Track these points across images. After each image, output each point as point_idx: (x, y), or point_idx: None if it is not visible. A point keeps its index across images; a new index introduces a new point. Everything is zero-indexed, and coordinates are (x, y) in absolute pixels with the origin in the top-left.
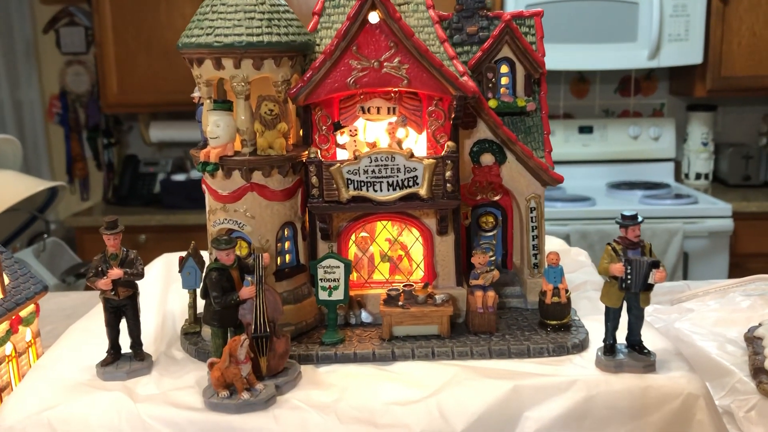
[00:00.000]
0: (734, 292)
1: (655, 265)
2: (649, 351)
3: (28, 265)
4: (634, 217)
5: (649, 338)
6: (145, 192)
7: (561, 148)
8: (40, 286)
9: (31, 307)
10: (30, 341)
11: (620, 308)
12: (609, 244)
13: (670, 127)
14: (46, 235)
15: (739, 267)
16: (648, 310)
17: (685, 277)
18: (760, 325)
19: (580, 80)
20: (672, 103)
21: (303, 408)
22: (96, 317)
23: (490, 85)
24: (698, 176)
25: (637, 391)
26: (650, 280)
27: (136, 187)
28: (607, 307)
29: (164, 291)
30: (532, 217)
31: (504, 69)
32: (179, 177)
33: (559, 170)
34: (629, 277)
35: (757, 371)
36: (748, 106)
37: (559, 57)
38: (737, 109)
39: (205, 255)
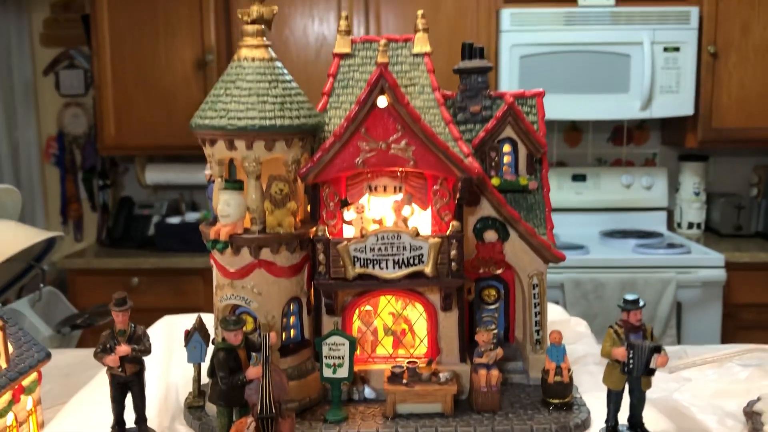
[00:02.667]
0: (732, 361)
1: (657, 350)
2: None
3: (24, 319)
4: (636, 301)
5: (650, 418)
6: (139, 234)
7: (554, 195)
8: (43, 354)
9: (33, 375)
10: (31, 410)
11: (622, 390)
12: (611, 327)
13: (662, 177)
14: (42, 285)
15: (733, 317)
16: None
17: (678, 328)
18: (758, 399)
19: (574, 129)
20: (664, 152)
21: None
22: (99, 388)
23: (494, 163)
24: (690, 225)
25: None
26: (652, 365)
27: (131, 229)
28: (609, 390)
29: (167, 359)
30: (534, 294)
31: (507, 148)
32: (174, 220)
33: (552, 217)
34: (631, 361)
35: None
36: (738, 157)
37: (552, 106)
38: (728, 160)
39: (210, 329)
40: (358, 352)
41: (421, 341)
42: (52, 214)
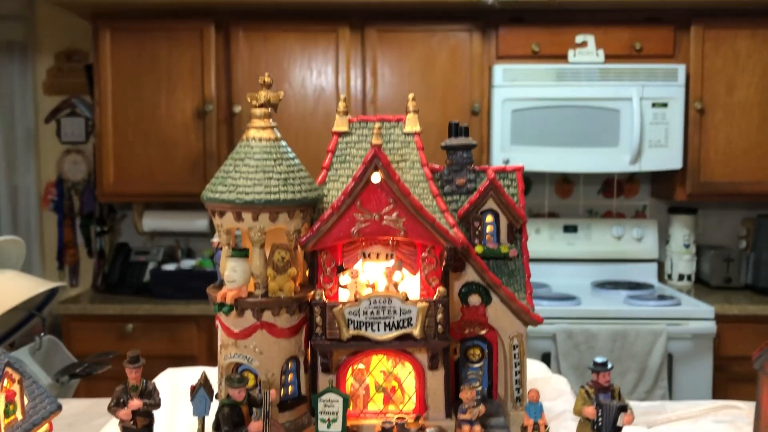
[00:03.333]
0: (706, 418)
1: (623, 409)
2: None
3: (25, 368)
4: (605, 364)
5: None
6: (135, 281)
7: (546, 246)
8: (54, 406)
9: (45, 427)
10: None
11: None
12: (582, 387)
13: (652, 229)
14: (42, 334)
15: (724, 369)
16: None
17: (670, 379)
18: None
19: (565, 181)
20: (654, 205)
21: None
22: None
23: (477, 232)
24: (681, 277)
25: None
26: (619, 423)
27: (126, 275)
28: None
29: (171, 412)
30: (515, 354)
31: (489, 219)
32: (170, 267)
33: (544, 268)
34: (600, 419)
35: None
36: (727, 210)
37: (544, 159)
38: (717, 213)
39: (213, 385)
40: (351, 407)
41: (410, 398)
42: (49, 260)
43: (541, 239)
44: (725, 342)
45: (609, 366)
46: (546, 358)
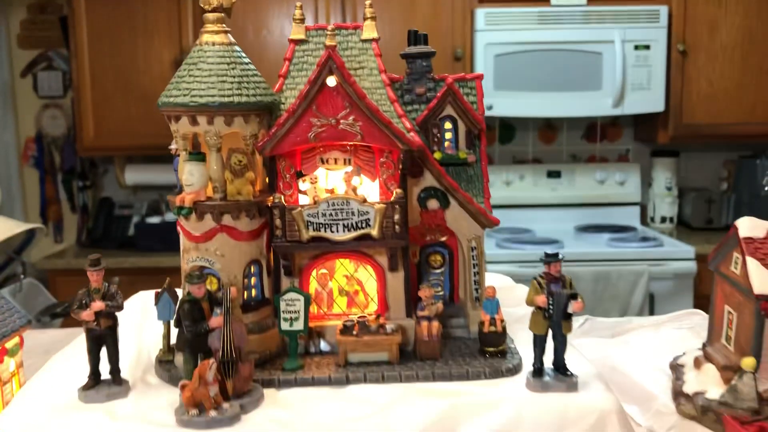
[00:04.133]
0: (667, 326)
1: (573, 297)
2: (572, 373)
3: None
4: (555, 255)
5: (574, 362)
6: (119, 234)
7: (530, 192)
8: (24, 320)
9: (15, 339)
10: (14, 371)
11: (546, 335)
12: (535, 278)
13: (635, 172)
14: (23, 276)
15: (704, 309)
16: (590, 343)
17: None
18: (684, 354)
19: (548, 127)
20: (637, 148)
21: (265, 425)
22: (76, 348)
23: (436, 139)
24: (663, 219)
25: (559, 409)
26: (569, 310)
27: (111, 229)
28: (534, 335)
29: (140, 325)
30: (473, 255)
31: (447, 125)
32: (154, 220)
33: (528, 213)
34: (551, 307)
35: (677, 395)
36: (709, 152)
37: (527, 104)
38: (699, 155)
39: (179, 293)
40: (315, 310)
41: (372, 300)
42: (32, 216)
43: (525, 185)
44: (706, 281)
45: (559, 257)
46: None
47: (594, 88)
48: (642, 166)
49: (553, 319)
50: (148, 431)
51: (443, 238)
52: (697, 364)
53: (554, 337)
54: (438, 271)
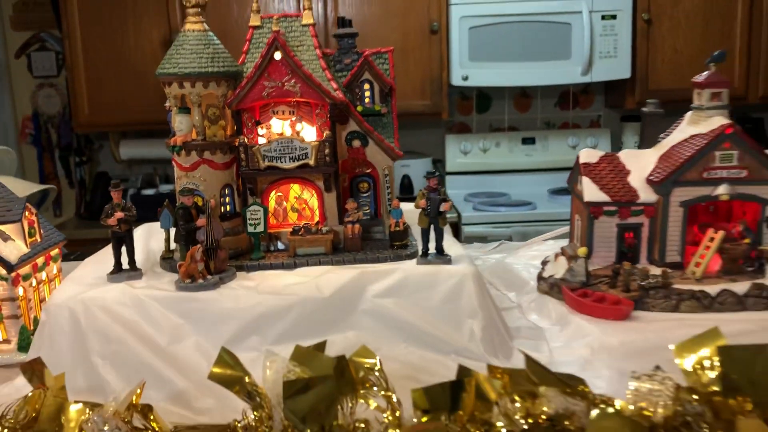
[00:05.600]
0: (548, 242)
1: (444, 200)
2: (447, 254)
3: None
4: (433, 172)
5: (452, 248)
6: None
7: (506, 158)
8: (61, 236)
9: (57, 249)
10: (56, 273)
11: (428, 228)
12: (421, 190)
13: (606, 137)
14: None
15: None
16: (497, 256)
17: None
18: (552, 254)
19: (523, 95)
20: (607, 114)
21: (237, 288)
22: (102, 254)
23: (358, 97)
24: None
25: (434, 273)
26: (441, 209)
27: (107, 202)
28: (421, 228)
29: (147, 239)
30: (386, 180)
31: (366, 87)
32: (148, 191)
33: (504, 179)
34: (429, 207)
35: (539, 279)
36: (675, 117)
37: (501, 74)
38: (667, 120)
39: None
40: (273, 221)
41: (315, 213)
42: None
43: (501, 152)
44: None
45: (436, 173)
46: None
47: (564, 57)
48: (612, 131)
49: (431, 216)
50: (156, 294)
51: (368, 170)
52: (556, 257)
53: (435, 230)
54: (365, 194)
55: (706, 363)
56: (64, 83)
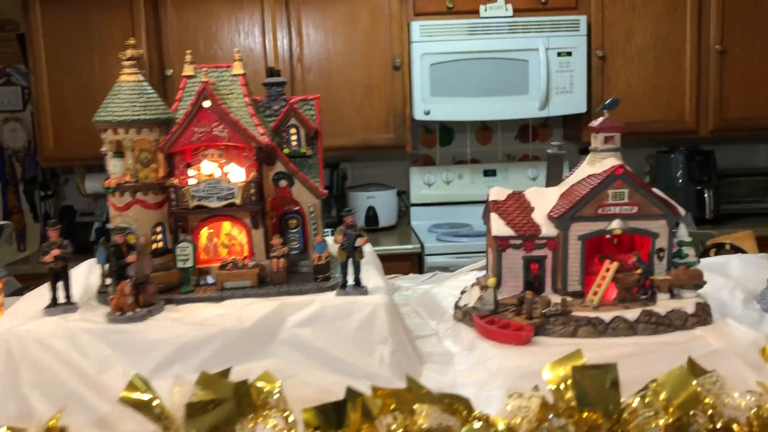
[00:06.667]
0: (474, 270)
1: (359, 235)
2: (364, 286)
3: None
4: (349, 210)
5: (371, 279)
6: (81, 240)
7: (468, 189)
8: (3, 272)
9: None
10: None
11: (347, 261)
12: (339, 227)
13: (565, 169)
14: None
15: None
16: (426, 286)
17: None
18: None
19: (484, 129)
20: (566, 147)
21: (163, 320)
22: (41, 289)
23: (285, 140)
24: None
25: (350, 303)
26: (357, 244)
27: (73, 236)
28: (340, 261)
29: (88, 274)
30: (312, 218)
31: (293, 131)
32: None
33: (467, 210)
34: (346, 242)
35: (455, 307)
36: (630, 149)
37: (462, 108)
38: (623, 151)
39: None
40: (204, 256)
41: (243, 248)
42: None
43: (464, 183)
44: None
45: (351, 211)
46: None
47: (522, 92)
48: (571, 163)
49: (348, 250)
50: (88, 326)
51: (296, 208)
52: (472, 287)
53: (352, 263)
54: (294, 230)
55: (569, 382)
56: (30, 117)
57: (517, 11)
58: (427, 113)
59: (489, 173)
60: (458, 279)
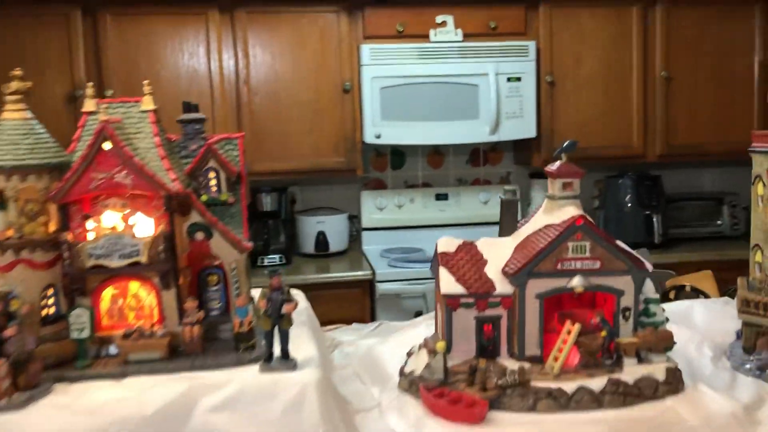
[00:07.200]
0: (422, 324)
1: (287, 300)
2: (293, 359)
3: None
4: (275, 271)
5: (302, 348)
6: None
7: (420, 213)
8: None
9: None
10: None
11: (272, 330)
12: (263, 288)
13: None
14: None
15: None
16: (371, 342)
17: None
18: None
19: (436, 152)
20: (516, 171)
21: (48, 407)
22: None
23: (202, 185)
24: None
25: (275, 382)
26: (283, 311)
27: None
28: (264, 330)
29: None
30: (234, 274)
31: (212, 174)
32: None
33: (419, 234)
34: (269, 308)
35: (401, 374)
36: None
37: (414, 132)
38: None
39: None
40: (107, 321)
41: (152, 312)
42: None
43: (416, 208)
44: None
45: (278, 272)
46: (418, 315)
47: (472, 117)
48: (522, 187)
49: (272, 317)
50: None
51: (216, 262)
52: (419, 348)
53: (279, 332)
54: (215, 288)
55: None
56: None
57: (467, 36)
58: (378, 137)
59: (441, 197)
60: (405, 333)
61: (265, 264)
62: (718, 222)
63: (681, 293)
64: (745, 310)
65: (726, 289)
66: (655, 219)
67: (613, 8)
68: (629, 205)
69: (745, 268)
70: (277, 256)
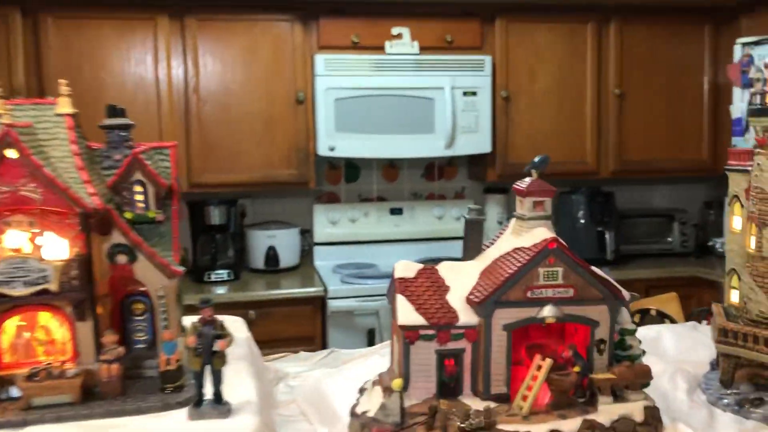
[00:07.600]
0: (381, 353)
1: (219, 336)
2: (226, 402)
3: None
4: (208, 300)
5: (239, 388)
6: None
7: (374, 228)
8: None
9: None
10: None
11: (202, 370)
12: (193, 322)
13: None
14: None
15: None
16: (318, 373)
17: None
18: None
19: (391, 166)
20: (471, 186)
21: None
22: None
23: (126, 200)
24: None
25: None
26: (215, 348)
27: None
28: (193, 371)
29: None
30: (162, 303)
31: (138, 188)
32: None
33: (373, 249)
34: (199, 346)
35: (351, 414)
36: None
37: (367, 145)
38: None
39: None
40: (10, 358)
41: (65, 348)
42: None
43: (370, 222)
44: None
45: (210, 303)
46: (371, 333)
47: (428, 131)
48: (476, 202)
49: (202, 356)
50: None
51: (142, 288)
52: (373, 385)
53: (211, 371)
54: (141, 317)
55: None
56: None
57: (423, 49)
58: (332, 149)
59: (396, 211)
60: (357, 365)
61: (212, 280)
62: (669, 239)
63: (646, 317)
64: (723, 341)
65: (690, 313)
66: (607, 235)
67: (567, 24)
68: (582, 221)
69: (696, 286)
70: (224, 272)
